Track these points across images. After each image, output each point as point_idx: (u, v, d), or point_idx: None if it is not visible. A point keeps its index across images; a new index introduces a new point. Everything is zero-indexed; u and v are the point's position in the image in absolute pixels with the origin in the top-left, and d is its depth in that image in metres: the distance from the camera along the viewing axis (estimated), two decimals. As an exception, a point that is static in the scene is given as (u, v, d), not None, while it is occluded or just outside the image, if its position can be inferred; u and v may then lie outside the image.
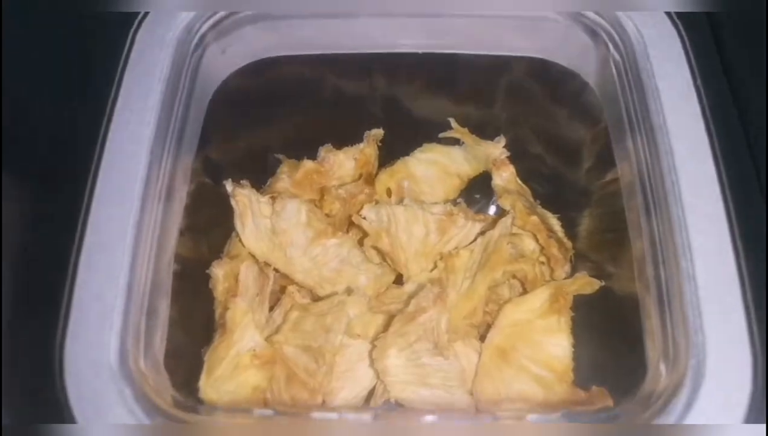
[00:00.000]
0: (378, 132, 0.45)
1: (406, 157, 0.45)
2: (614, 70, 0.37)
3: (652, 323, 0.29)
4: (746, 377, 0.25)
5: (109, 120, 0.34)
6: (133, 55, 0.35)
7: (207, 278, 0.40)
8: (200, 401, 0.32)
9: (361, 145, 0.45)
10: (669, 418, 0.25)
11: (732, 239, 0.28)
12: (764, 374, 0.25)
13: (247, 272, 0.41)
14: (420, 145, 0.46)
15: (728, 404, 0.25)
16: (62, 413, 0.25)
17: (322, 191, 0.43)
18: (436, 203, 0.42)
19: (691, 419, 0.24)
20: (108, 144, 0.33)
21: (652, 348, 0.28)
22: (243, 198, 0.40)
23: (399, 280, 0.43)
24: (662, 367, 0.27)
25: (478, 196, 0.48)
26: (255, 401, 0.34)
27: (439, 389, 0.37)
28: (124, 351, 0.26)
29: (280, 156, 0.46)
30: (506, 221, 0.41)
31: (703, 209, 0.29)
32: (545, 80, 0.41)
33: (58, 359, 0.26)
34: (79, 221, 0.31)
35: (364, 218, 0.41)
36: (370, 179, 0.44)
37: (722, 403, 0.25)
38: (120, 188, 0.32)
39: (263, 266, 0.41)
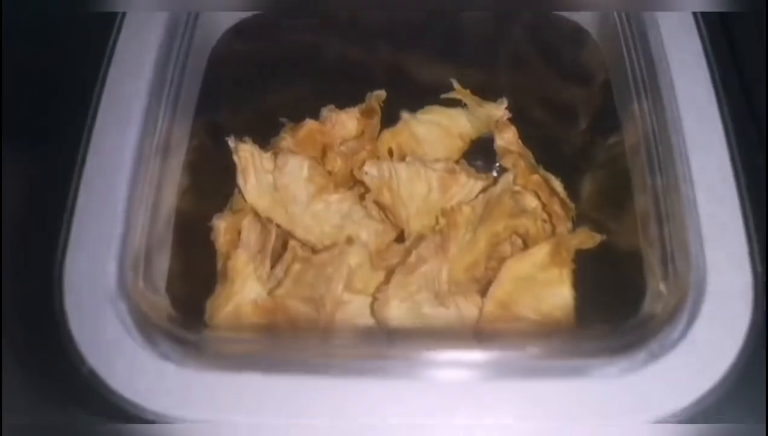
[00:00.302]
0: (380, 93, 0.45)
1: (409, 118, 0.45)
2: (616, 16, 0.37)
3: (655, 273, 0.29)
4: (747, 298, 0.25)
5: (106, 73, 0.33)
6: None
7: (209, 235, 0.41)
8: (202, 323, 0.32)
9: (364, 105, 0.45)
10: (670, 336, 0.24)
11: (733, 166, 0.28)
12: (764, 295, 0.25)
13: (249, 229, 0.41)
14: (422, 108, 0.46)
15: (729, 322, 0.25)
16: (60, 333, 0.25)
17: (324, 149, 0.43)
18: (438, 160, 0.42)
19: (692, 337, 0.24)
20: (103, 98, 0.32)
21: (653, 277, 0.28)
22: (245, 153, 0.41)
23: (401, 239, 0.43)
24: (662, 287, 0.26)
25: (480, 162, 0.48)
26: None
27: (440, 339, 0.37)
28: (123, 276, 0.26)
29: (284, 120, 0.46)
30: (508, 176, 0.41)
31: (705, 139, 0.29)
32: (547, 33, 0.41)
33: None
34: (74, 177, 0.30)
35: (366, 173, 0.41)
36: (372, 139, 0.44)
37: (724, 321, 0.25)
38: (115, 143, 0.31)
39: (265, 223, 0.41)
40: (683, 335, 0.24)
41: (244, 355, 0.25)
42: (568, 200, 0.43)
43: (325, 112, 0.45)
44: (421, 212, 0.41)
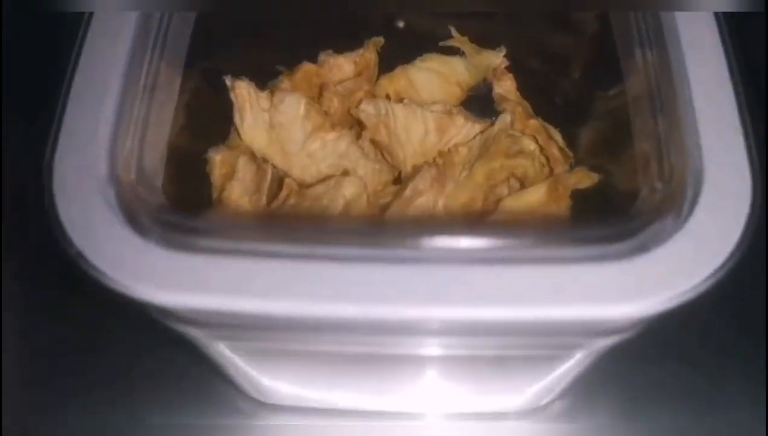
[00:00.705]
0: (378, 40, 0.45)
1: (407, 65, 0.45)
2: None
3: (651, 173, 0.29)
4: (746, 191, 0.25)
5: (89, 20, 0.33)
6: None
7: (204, 172, 0.40)
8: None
9: (361, 50, 0.45)
10: (666, 226, 0.24)
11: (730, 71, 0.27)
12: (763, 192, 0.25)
13: (244, 170, 0.41)
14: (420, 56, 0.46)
15: (727, 214, 0.24)
16: (49, 217, 0.24)
17: (321, 90, 0.43)
18: (435, 103, 0.42)
19: (689, 227, 0.24)
20: (87, 42, 0.31)
21: (649, 177, 0.28)
22: (242, 91, 0.41)
23: (398, 183, 0.42)
24: (659, 184, 0.26)
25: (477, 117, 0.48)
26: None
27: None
28: (114, 168, 0.26)
29: (281, 67, 0.46)
30: (505, 116, 0.41)
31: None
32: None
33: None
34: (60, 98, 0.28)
35: (363, 111, 0.40)
36: (369, 80, 0.44)
37: (722, 212, 0.24)
38: (101, 72, 0.29)
39: (261, 163, 0.41)
40: (680, 225, 0.24)
41: (235, 239, 0.24)
42: (566, 148, 0.43)
43: (322, 56, 0.45)
44: (418, 154, 0.41)
